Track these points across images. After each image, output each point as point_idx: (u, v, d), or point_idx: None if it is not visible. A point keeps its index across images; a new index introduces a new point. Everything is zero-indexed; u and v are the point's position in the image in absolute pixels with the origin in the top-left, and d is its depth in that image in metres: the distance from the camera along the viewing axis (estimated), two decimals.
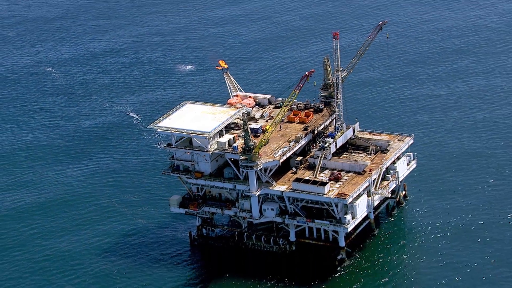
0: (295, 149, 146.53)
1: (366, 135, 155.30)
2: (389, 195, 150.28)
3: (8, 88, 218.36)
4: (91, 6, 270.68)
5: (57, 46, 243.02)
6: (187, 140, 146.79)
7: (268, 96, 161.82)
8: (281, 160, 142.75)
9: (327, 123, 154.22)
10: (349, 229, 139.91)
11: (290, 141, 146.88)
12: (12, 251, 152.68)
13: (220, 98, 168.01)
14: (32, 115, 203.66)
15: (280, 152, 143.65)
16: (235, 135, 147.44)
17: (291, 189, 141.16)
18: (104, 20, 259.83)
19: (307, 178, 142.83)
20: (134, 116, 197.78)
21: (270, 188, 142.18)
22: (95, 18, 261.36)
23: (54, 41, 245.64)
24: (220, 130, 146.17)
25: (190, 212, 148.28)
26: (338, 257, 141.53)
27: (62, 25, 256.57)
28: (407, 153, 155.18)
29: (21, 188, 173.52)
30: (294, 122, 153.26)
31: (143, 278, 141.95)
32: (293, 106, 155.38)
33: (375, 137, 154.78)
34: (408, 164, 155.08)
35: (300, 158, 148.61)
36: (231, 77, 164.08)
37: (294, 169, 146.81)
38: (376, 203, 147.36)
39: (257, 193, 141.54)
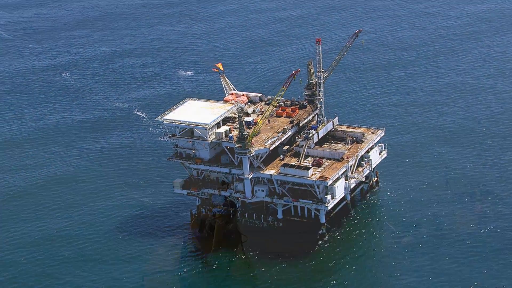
0: (283, 139, 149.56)
1: (344, 128, 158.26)
2: (364, 180, 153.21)
3: (29, 89, 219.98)
4: (100, 19, 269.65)
5: (71, 52, 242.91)
6: (189, 131, 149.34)
7: (259, 94, 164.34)
8: (271, 148, 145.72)
9: (310, 117, 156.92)
10: (329, 208, 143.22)
11: (278, 132, 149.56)
12: (37, 222, 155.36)
13: (217, 96, 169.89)
14: (52, 110, 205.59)
15: (269, 141, 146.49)
16: (231, 126, 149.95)
17: (279, 173, 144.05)
18: (111, 30, 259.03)
19: (293, 163, 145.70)
20: (141, 114, 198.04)
21: (261, 172, 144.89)
22: (104, 29, 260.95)
23: (69, 48, 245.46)
24: (218, 123, 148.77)
25: (191, 193, 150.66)
26: (319, 232, 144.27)
27: (76, 35, 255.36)
28: (379, 144, 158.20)
29: (42, 168, 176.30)
30: (281, 116, 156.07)
31: (148, 247, 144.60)
32: (281, 103, 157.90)
33: (351, 130, 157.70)
34: (380, 154, 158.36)
35: (287, 147, 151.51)
36: (226, 78, 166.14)
37: (281, 156, 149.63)
38: (352, 186, 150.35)
39: (250, 176, 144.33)
